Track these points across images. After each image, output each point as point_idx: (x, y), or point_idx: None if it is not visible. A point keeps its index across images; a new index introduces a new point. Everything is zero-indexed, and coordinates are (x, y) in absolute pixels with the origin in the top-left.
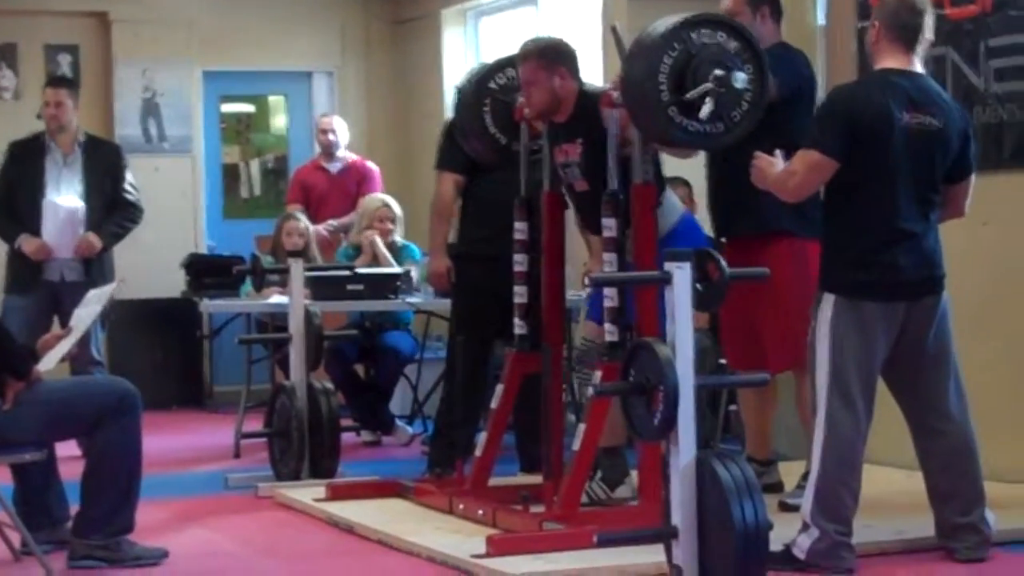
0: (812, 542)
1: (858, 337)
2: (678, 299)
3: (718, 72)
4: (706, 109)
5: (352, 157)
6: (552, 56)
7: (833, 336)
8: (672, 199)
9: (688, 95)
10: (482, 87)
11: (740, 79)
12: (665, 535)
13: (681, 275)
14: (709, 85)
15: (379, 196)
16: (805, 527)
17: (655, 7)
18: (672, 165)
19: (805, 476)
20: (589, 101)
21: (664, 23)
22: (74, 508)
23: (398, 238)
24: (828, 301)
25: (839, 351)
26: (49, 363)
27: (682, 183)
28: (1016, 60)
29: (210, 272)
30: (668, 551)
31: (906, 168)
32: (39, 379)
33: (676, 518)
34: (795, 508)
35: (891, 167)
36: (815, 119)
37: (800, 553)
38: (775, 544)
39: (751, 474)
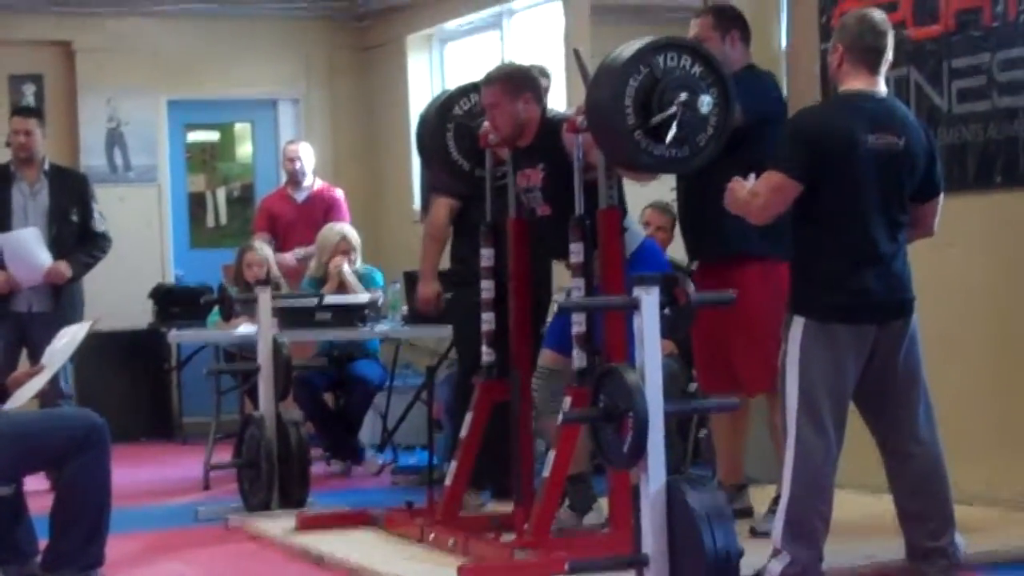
0: (783, 567)
1: (828, 360)
2: (646, 324)
3: (683, 96)
4: (671, 134)
5: (318, 184)
6: (516, 81)
7: (803, 360)
8: (633, 224)
9: (653, 120)
10: (445, 113)
11: (705, 103)
12: (636, 562)
13: (649, 300)
14: (674, 109)
15: (337, 227)
16: (776, 553)
17: (618, 32)
18: (655, 190)
19: (776, 501)
20: (551, 126)
21: (629, 48)
22: (43, 542)
23: (359, 265)
24: (797, 324)
25: (808, 375)
26: (19, 400)
27: (666, 210)
28: (978, 80)
29: (177, 302)
30: None
31: (873, 190)
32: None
33: (647, 545)
34: (766, 534)
35: (857, 189)
36: (779, 142)
37: None
38: (746, 570)
39: (722, 500)
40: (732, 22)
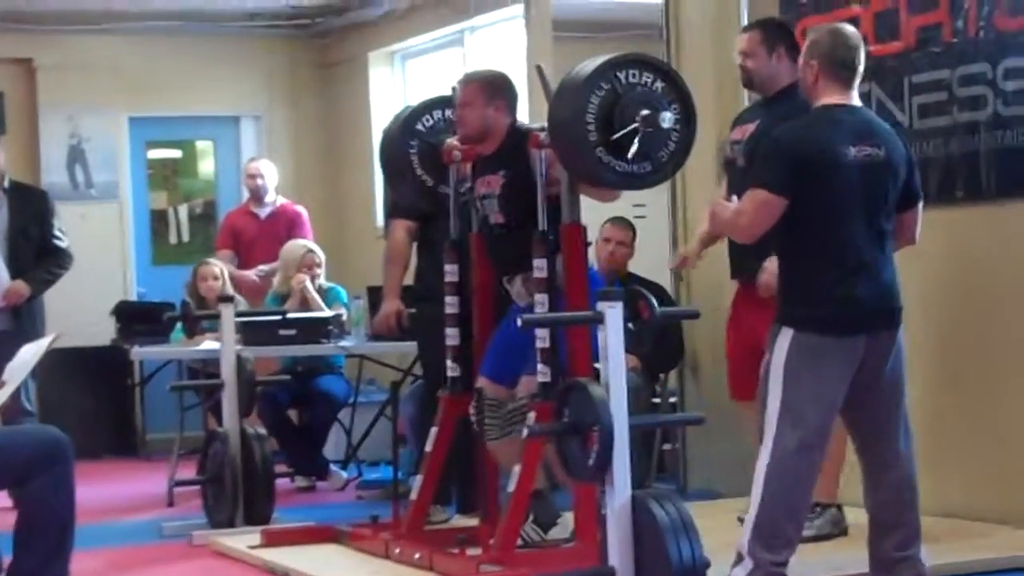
0: (746, 574)
1: (814, 372)
2: (610, 339)
3: (645, 112)
4: (633, 149)
5: (281, 201)
6: (494, 86)
7: (787, 371)
8: None
9: (615, 136)
10: (408, 129)
11: (667, 119)
12: (603, 574)
13: (613, 315)
14: (636, 125)
15: (301, 242)
16: (739, 559)
17: (580, 48)
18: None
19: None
20: (518, 136)
21: (591, 63)
22: (7, 560)
23: (323, 281)
24: (785, 335)
25: (794, 386)
26: None
27: (627, 224)
28: (938, 96)
29: (140, 319)
30: None
31: (858, 201)
32: None
33: (613, 558)
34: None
35: (842, 201)
36: (761, 158)
37: None
38: None
39: (687, 513)
40: (779, 37)
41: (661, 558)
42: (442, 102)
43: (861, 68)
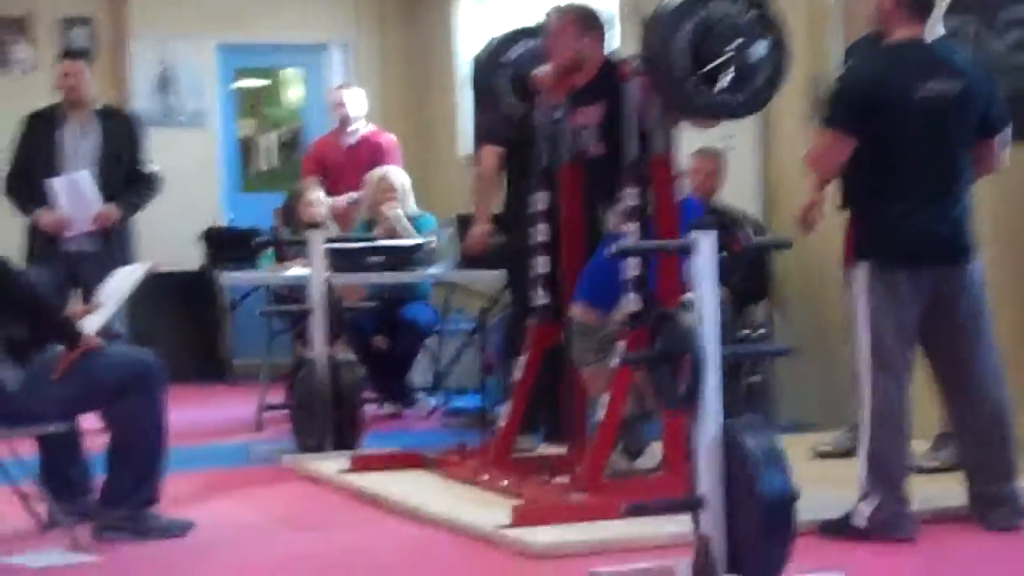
0: (872, 510)
1: (892, 304)
2: (702, 268)
3: (737, 42)
4: (724, 80)
5: (367, 130)
6: (585, 19)
7: (869, 303)
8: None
9: (707, 67)
10: (498, 58)
11: (758, 50)
12: (692, 505)
13: (706, 243)
14: (728, 56)
15: (379, 171)
16: (865, 494)
17: None
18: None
19: (938, 439)
20: (613, 68)
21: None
22: (99, 479)
23: (411, 209)
24: (862, 268)
25: (876, 317)
26: None
27: (714, 153)
28: None
29: (229, 245)
30: (695, 521)
31: (927, 137)
32: (96, 345)
33: (703, 488)
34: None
35: (912, 138)
36: (831, 97)
37: (861, 521)
38: (836, 512)
39: (776, 443)
40: None
41: (751, 489)
42: (531, 32)
43: (937, 2)
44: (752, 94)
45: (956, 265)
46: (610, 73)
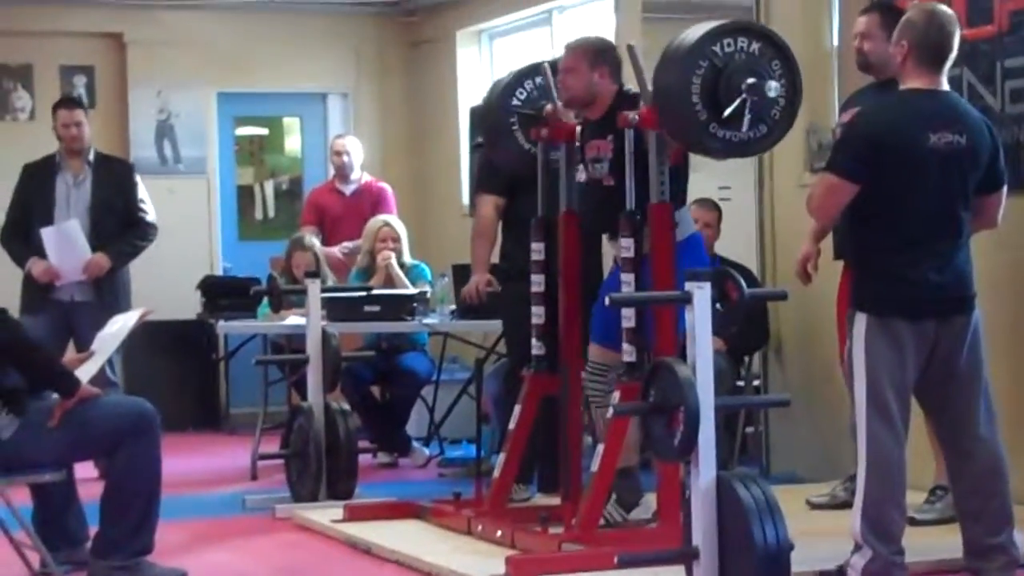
0: (866, 563)
1: (890, 354)
2: (698, 319)
3: (750, 81)
4: (746, 119)
5: (366, 179)
6: (596, 52)
7: (867, 354)
8: (686, 215)
9: (727, 110)
10: (506, 101)
11: (773, 87)
12: (686, 556)
13: (701, 295)
14: (743, 96)
15: (381, 217)
16: (858, 547)
17: (668, 28)
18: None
19: (933, 492)
20: (626, 101)
21: (693, 33)
22: (93, 529)
23: (407, 259)
24: (860, 320)
25: (874, 368)
26: None
27: (713, 206)
28: None
29: (226, 293)
30: (689, 572)
31: (934, 188)
32: (93, 394)
33: (697, 539)
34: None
35: (917, 188)
36: (837, 141)
37: (854, 574)
38: (828, 565)
39: (771, 495)
40: (897, 21)
41: (745, 540)
42: (533, 71)
43: (954, 53)
44: (767, 131)
45: (958, 317)
46: (623, 105)
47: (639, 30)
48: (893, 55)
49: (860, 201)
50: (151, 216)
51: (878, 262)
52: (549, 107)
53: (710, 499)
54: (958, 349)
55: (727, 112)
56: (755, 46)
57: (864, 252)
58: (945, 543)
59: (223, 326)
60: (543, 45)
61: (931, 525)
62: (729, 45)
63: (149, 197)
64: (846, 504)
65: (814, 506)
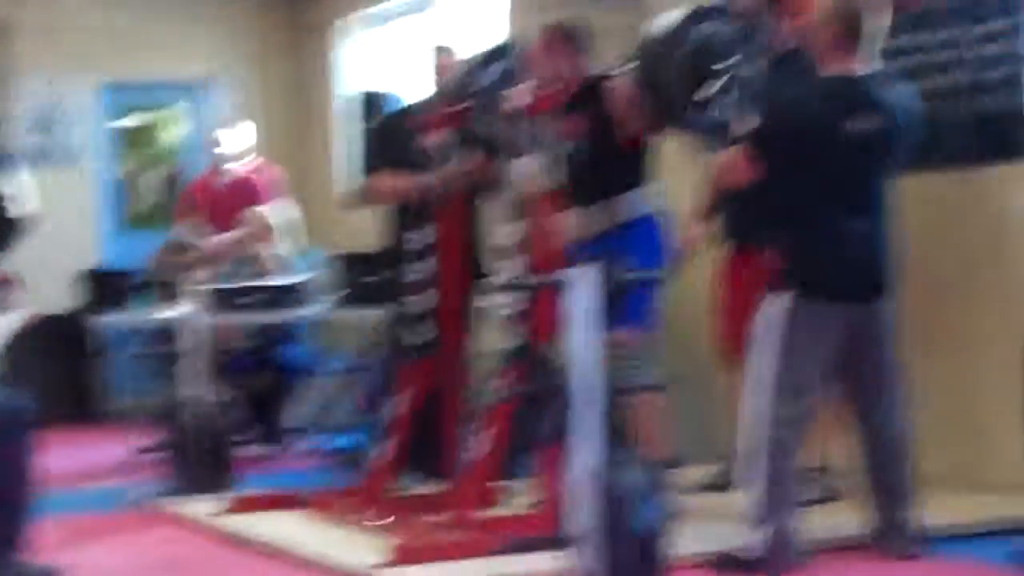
0: (766, 539)
1: (811, 335)
2: (576, 306)
3: (732, 61)
4: (731, 97)
5: (245, 168)
6: (568, 36)
7: (783, 333)
8: (635, 197)
9: (709, 91)
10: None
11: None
12: (564, 541)
13: (581, 279)
14: (726, 77)
15: (257, 210)
16: (757, 524)
17: (561, 10)
18: None
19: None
20: (597, 82)
21: (669, 18)
22: None
23: (288, 248)
24: (779, 301)
25: (793, 349)
26: None
27: None
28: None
29: (105, 286)
30: (570, 556)
31: (851, 172)
32: None
33: (575, 524)
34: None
35: (835, 172)
36: (758, 121)
37: (751, 553)
38: (719, 545)
39: (648, 478)
40: None
41: (623, 524)
42: (502, 52)
43: (873, 35)
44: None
45: (876, 299)
46: (593, 88)
47: (536, 8)
48: (813, 38)
49: (780, 185)
50: (18, 211)
51: (799, 245)
52: (522, 86)
53: (587, 484)
54: (875, 331)
55: (710, 91)
56: (731, 28)
57: (785, 235)
58: (847, 520)
59: (101, 319)
60: (426, 30)
61: (810, 505)
62: (707, 27)
63: (25, 189)
64: (727, 485)
65: (701, 487)
